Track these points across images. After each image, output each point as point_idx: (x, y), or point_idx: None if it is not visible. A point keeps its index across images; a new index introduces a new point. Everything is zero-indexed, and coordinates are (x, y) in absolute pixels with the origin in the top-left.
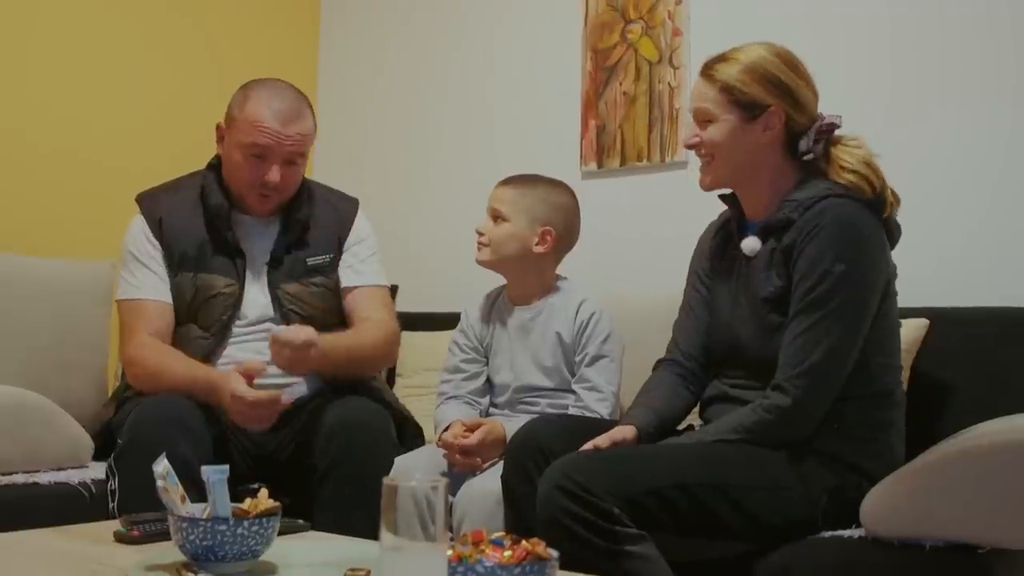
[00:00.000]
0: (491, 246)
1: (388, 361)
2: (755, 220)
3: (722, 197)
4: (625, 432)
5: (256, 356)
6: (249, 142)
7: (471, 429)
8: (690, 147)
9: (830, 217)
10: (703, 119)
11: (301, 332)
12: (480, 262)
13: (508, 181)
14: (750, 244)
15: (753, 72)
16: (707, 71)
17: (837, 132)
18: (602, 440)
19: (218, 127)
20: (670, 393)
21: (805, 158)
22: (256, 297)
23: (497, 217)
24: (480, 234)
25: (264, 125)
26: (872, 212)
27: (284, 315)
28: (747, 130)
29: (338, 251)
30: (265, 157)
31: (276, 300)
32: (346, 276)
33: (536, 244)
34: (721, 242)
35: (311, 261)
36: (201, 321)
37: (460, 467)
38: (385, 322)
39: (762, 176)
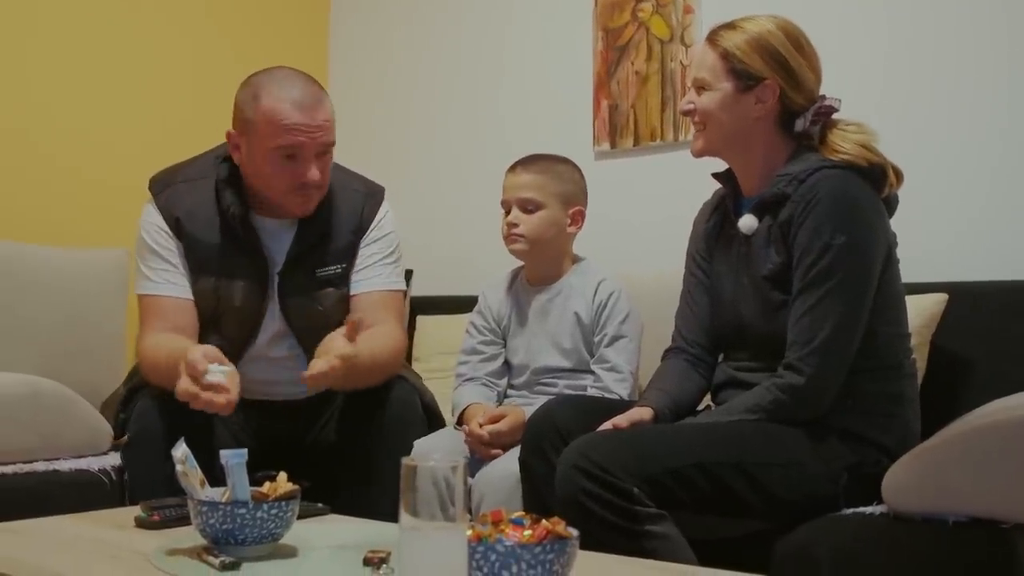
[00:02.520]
0: (528, 236)
1: (391, 375)
2: (750, 196)
3: (716, 175)
4: (643, 413)
5: (270, 374)
6: (276, 144)
7: (491, 421)
8: (685, 113)
9: (825, 189)
10: (699, 86)
11: (326, 363)
12: (516, 252)
13: (525, 167)
14: (747, 222)
15: (755, 43)
16: (712, 37)
17: (836, 116)
18: (621, 420)
19: (229, 135)
20: (682, 378)
21: (804, 141)
22: (271, 309)
23: (528, 206)
24: (514, 225)
25: (288, 122)
26: (867, 181)
27: (296, 331)
28: (740, 100)
29: (353, 253)
30: (298, 156)
31: (286, 314)
32: (356, 279)
33: (569, 225)
34: (718, 222)
35: (320, 272)
36: (222, 331)
37: (483, 455)
38: (393, 334)
39: (755, 149)
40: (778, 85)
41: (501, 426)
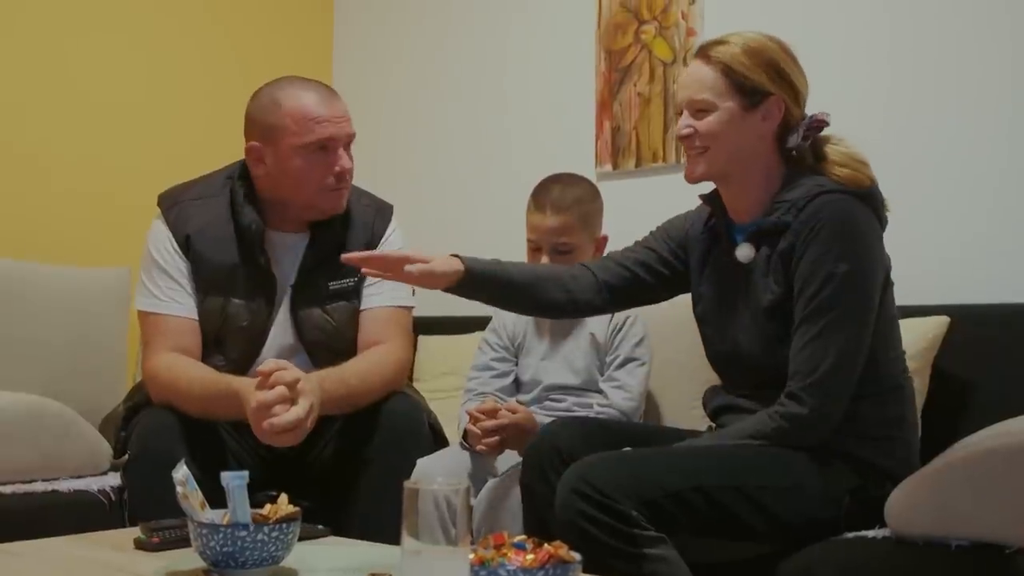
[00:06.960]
0: None
1: (393, 390)
2: (741, 222)
3: (703, 198)
4: (451, 263)
5: None
6: (308, 141)
7: (491, 412)
8: (682, 138)
9: (827, 215)
10: (699, 109)
11: (290, 414)
12: None
13: (556, 207)
14: (744, 252)
15: (756, 56)
16: (704, 53)
17: (824, 132)
18: (415, 268)
19: (251, 149)
20: (554, 275)
21: (793, 154)
22: (282, 322)
23: (563, 248)
24: None
25: (318, 115)
26: (865, 205)
27: (306, 344)
28: (746, 119)
29: None
30: (329, 148)
31: (298, 327)
32: (365, 294)
33: (594, 253)
34: (709, 243)
35: (333, 285)
36: (225, 351)
37: (484, 447)
38: (394, 351)
39: (753, 171)
40: (782, 100)
41: (516, 416)
